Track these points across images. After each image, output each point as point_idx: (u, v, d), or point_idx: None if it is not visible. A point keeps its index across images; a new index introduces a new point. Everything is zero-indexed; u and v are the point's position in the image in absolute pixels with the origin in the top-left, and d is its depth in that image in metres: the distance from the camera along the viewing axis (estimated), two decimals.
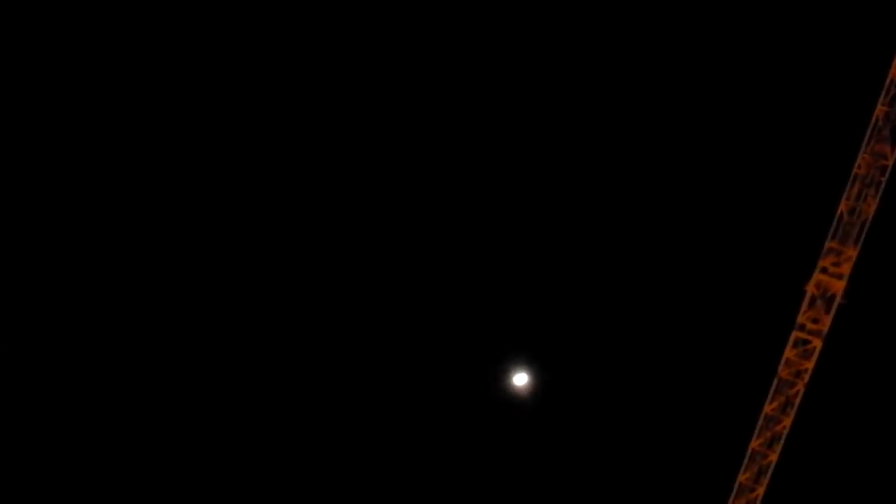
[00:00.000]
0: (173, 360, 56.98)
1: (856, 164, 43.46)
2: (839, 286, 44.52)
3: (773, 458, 45.96)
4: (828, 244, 44.38)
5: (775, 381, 45.50)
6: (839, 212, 43.98)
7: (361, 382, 56.97)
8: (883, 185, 43.66)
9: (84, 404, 56.30)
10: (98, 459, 55.89)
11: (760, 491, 46.35)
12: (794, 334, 45.29)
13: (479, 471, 56.79)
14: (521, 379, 55.91)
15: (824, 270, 44.53)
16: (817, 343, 45.01)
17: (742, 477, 46.34)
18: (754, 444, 45.92)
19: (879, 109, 43.04)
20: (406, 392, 56.94)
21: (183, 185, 57.22)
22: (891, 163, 43.21)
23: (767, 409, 45.66)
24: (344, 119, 57.24)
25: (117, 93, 56.80)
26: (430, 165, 57.09)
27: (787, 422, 45.61)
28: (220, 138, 57.19)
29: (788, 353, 45.34)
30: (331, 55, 57.08)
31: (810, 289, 44.75)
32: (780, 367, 45.53)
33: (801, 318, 45.08)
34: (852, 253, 44.19)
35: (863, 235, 44.04)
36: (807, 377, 45.38)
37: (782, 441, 45.84)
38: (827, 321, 44.85)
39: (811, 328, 45.08)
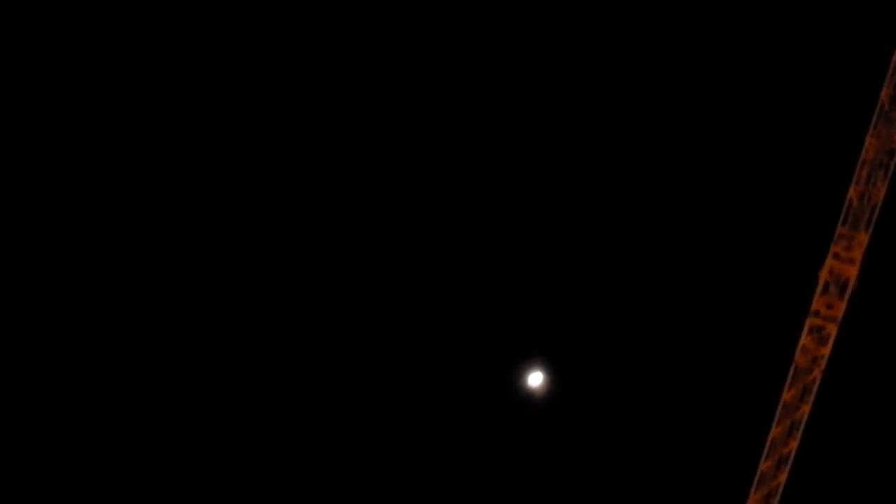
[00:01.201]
0: (173, 359, 56.98)
1: (863, 149, 43.52)
2: (852, 272, 44.55)
3: (794, 445, 45.94)
4: (839, 230, 44.43)
5: (792, 369, 45.53)
6: (849, 197, 44.01)
7: (374, 382, 57.01)
8: (892, 169, 43.68)
9: (84, 404, 56.31)
10: (98, 459, 55.90)
11: (782, 479, 46.34)
12: (810, 321, 45.32)
13: (493, 471, 56.78)
14: (536, 378, 55.92)
15: (836, 256, 44.58)
16: (832, 329, 45.03)
17: (763, 465, 46.35)
18: (775, 431, 45.91)
19: (885, 92, 43.08)
20: (420, 392, 56.98)
21: (182, 184, 57.26)
22: None
23: (786, 396, 45.67)
24: (352, 120, 57.34)
25: (117, 93, 56.83)
26: (448, 167, 57.14)
27: (806, 409, 45.61)
28: (220, 138, 57.22)
29: (804, 339, 45.38)
30: (331, 55, 57.15)
31: (823, 275, 44.79)
32: (797, 355, 45.56)
33: (815, 305, 45.14)
34: (864, 238, 44.23)
35: (873, 220, 44.08)
36: (823, 363, 45.39)
37: (801, 428, 45.84)
38: (841, 307, 44.89)
39: (826, 314, 45.09)
